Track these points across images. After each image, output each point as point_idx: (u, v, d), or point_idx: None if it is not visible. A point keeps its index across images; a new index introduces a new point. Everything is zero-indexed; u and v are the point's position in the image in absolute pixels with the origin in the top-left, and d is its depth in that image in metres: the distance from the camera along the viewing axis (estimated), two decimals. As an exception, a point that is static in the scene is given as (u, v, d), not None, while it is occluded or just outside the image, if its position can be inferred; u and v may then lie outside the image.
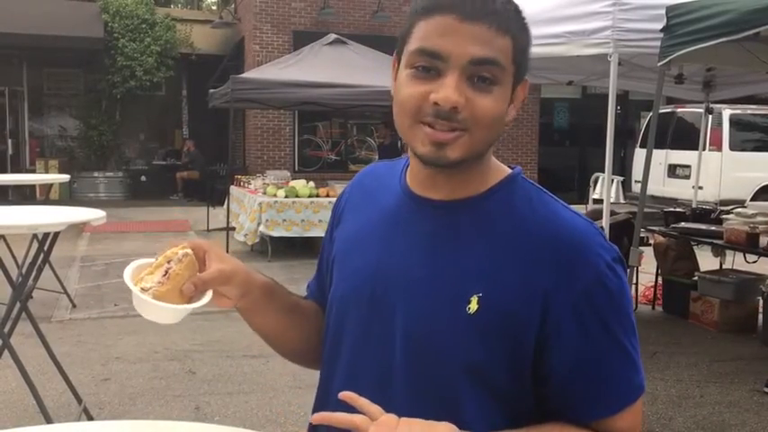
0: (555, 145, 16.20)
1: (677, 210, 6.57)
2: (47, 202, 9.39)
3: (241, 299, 1.13)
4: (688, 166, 10.90)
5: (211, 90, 10.34)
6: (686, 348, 5.33)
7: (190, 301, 1.07)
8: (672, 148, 11.37)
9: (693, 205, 6.87)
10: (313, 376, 1.28)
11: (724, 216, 5.73)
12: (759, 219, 5.30)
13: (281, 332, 1.24)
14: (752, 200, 10.24)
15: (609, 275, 1.00)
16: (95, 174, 15.85)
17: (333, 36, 10.11)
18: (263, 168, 12.68)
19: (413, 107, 0.99)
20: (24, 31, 13.43)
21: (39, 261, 3.99)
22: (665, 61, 4.02)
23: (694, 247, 6.40)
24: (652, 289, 6.63)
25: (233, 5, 16.93)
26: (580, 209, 1.06)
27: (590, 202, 8.29)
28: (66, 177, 7.57)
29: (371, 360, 1.08)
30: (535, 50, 4.84)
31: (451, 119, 0.97)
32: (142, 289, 1.05)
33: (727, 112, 11.01)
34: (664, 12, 4.00)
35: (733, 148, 11.15)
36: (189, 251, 1.07)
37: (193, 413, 3.98)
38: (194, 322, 5.47)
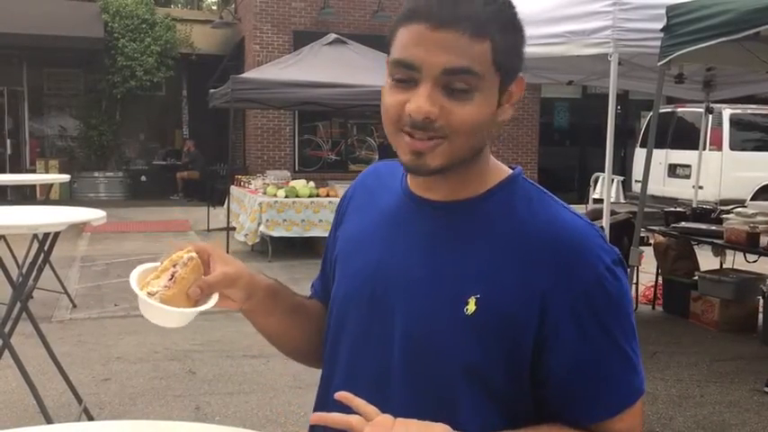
0: (555, 145, 16.20)
1: (677, 209, 6.56)
2: (47, 202, 9.40)
3: (246, 301, 1.13)
4: (688, 166, 10.89)
5: (211, 90, 10.34)
6: (686, 348, 5.33)
7: (196, 304, 1.07)
8: (672, 148, 11.37)
9: (694, 205, 6.87)
10: (313, 376, 1.28)
11: (724, 216, 5.73)
12: (759, 218, 5.30)
13: (284, 332, 1.24)
14: (752, 199, 10.24)
15: (608, 278, 0.99)
16: (95, 174, 15.86)
17: (333, 36, 10.11)
18: (263, 168, 12.68)
19: (393, 116, 0.99)
20: (24, 31, 13.43)
21: (39, 261, 3.99)
22: (665, 61, 4.02)
23: (694, 247, 6.40)
24: (652, 289, 6.63)
25: (233, 5, 16.93)
26: (580, 209, 1.06)
27: (590, 201, 8.29)
28: (66, 177, 7.57)
29: (370, 360, 1.08)
30: (535, 50, 4.83)
31: (428, 128, 0.97)
32: (148, 293, 1.05)
33: (727, 112, 11.01)
34: (664, 11, 4.00)
35: (733, 147, 11.15)
36: (194, 254, 1.08)
37: (194, 413, 3.99)
38: (194, 322, 5.41)
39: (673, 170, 11.63)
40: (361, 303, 1.11)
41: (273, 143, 14.49)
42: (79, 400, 3.86)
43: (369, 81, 8.50)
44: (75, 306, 6.26)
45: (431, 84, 0.96)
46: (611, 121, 4.54)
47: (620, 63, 4.51)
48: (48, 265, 4.93)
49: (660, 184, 11.27)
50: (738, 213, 5.60)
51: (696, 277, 6.13)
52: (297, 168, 14.36)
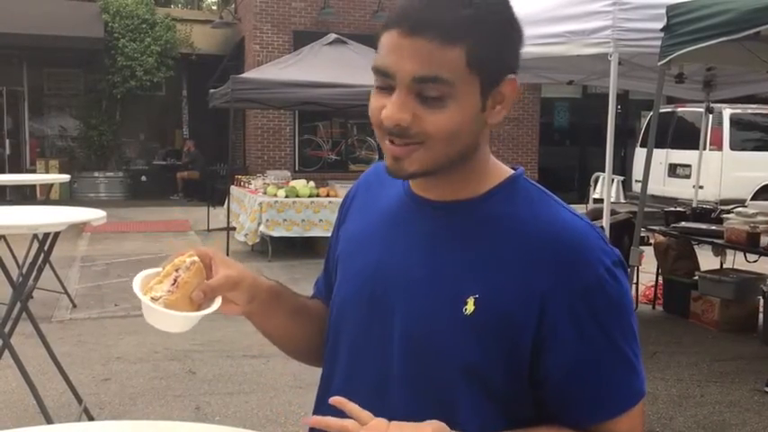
0: (555, 144, 16.20)
1: (678, 209, 6.56)
2: (47, 202, 9.40)
3: (249, 304, 1.13)
4: (688, 166, 10.89)
5: (211, 90, 10.34)
6: (687, 348, 5.33)
7: (199, 308, 1.07)
8: (672, 148, 11.36)
9: (694, 205, 6.86)
10: (313, 375, 1.28)
11: (724, 215, 5.73)
12: (759, 218, 5.30)
13: (287, 333, 1.24)
14: (752, 199, 10.23)
15: (608, 279, 0.99)
16: (96, 174, 15.86)
17: (333, 36, 10.11)
18: (263, 168, 12.68)
19: (376, 122, 1.01)
20: (24, 31, 13.44)
21: (39, 261, 3.99)
22: (665, 61, 4.02)
23: (695, 247, 6.40)
24: (652, 288, 6.63)
25: (233, 5, 16.94)
26: (580, 208, 1.05)
27: (590, 201, 8.29)
28: (66, 177, 7.58)
29: (370, 360, 1.08)
30: (535, 50, 4.81)
31: (403, 135, 0.98)
32: (152, 298, 1.04)
33: (727, 112, 11.01)
34: (664, 11, 3.99)
35: (733, 147, 11.15)
36: (196, 259, 1.07)
37: (194, 413, 3.99)
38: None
39: (673, 170, 11.63)
40: (361, 304, 1.11)
41: (273, 143, 14.49)
42: (79, 401, 3.86)
43: (369, 81, 8.13)
44: (75, 306, 6.26)
45: (404, 91, 0.96)
46: (612, 120, 4.54)
47: (620, 63, 4.51)
48: (48, 265, 4.93)
49: (660, 184, 11.27)
50: (739, 213, 5.60)
51: (696, 277, 6.12)
52: (297, 168, 14.36)
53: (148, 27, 15.06)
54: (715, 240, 5.52)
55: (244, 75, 10.01)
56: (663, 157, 11.29)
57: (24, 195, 13.99)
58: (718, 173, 10.82)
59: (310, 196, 8.74)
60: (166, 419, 3.58)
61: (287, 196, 8.62)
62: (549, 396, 1.02)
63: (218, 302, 1.08)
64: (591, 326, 0.98)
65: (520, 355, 0.99)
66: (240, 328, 5.19)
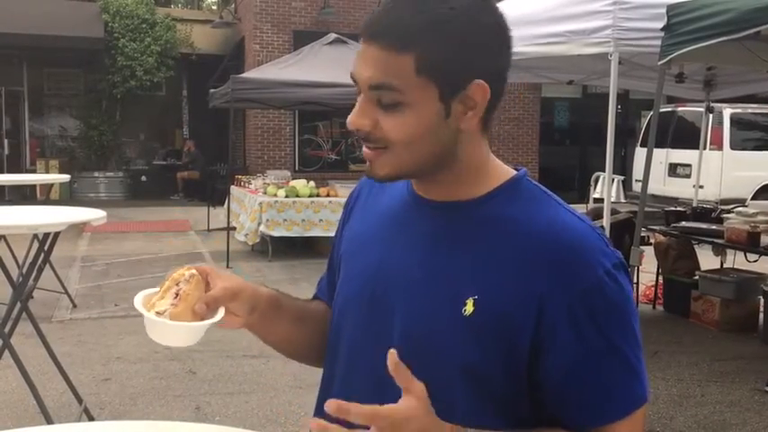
0: (555, 144, 16.20)
1: (678, 209, 6.56)
2: (47, 202, 9.39)
3: (250, 314, 1.13)
4: (689, 166, 10.89)
5: (212, 90, 10.33)
6: (687, 348, 5.33)
7: (203, 320, 1.07)
8: (672, 148, 11.36)
9: (694, 204, 6.86)
10: (313, 376, 1.28)
11: (725, 215, 5.73)
12: (760, 218, 5.31)
13: (290, 339, 1.24)
14: (752, 199, 10.24)
15: (607, 282, 0.98)
16: (96, 174, 15.86)
17: (333, 36, 10.11)
18: (263, 168, 12.68)
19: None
20: (24, 31, 13.44)
21: (39, 261, 3.99)
22: (665, 60, 4.01)
23: (695, 247, 6.40)
24: (653, 288, 6.62)
25: (233, 5, 16.93)
26: (581, 208, 1.05)
27: (590, 201, 8.29)
28: (66, 177, 7.58)
29: (369, 360, 1.08)
30: (536, 50, 4.80)
31: (367, 140, 1.00)
32: (156, 313, 1.04)
33: (727, 111, 11.00)
34: (664, 11, 3.99)
35: (734, 147, 11.14)
36: (194, 272, 1.08)
37: (194, 413, 3.98)
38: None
39: (673, 169, 11.62)
40: (362, 304, 1.11)
41: (274, 143, 14.49)
42: (79, 401, 3.86)
43: (369, 81, 8.47)
44: (75, 306, 6.26)
45: (365, 97, 0.99)
46: (612, 120, 4.53)
47: (620, 62, 4.51)
48: (48, 265, 4.93)
49: (661, 184, 11.26)
50: (739, 213, 5.60)
51: (697, 277, 6.12)
52: (297, 168, 14.36)
53: (148, 27, 15.06)
54: (715, 240, 5.52)
55: (244, 75, 10.01)
56: (663, 156, 11.29)
57: (24, 195, 14.00)
58: (719, 172, 10.81)
59: (310, 196, 8.74)
60: (166, 419, 3.58)
61: (287, 196, 8.62)
62: (548, 398, 1.01)
63: (221, 312, 1.08)
64: (589, 328, 0.98)
65: (518, 356, 0.99)
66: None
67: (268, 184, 9.03)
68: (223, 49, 16.24)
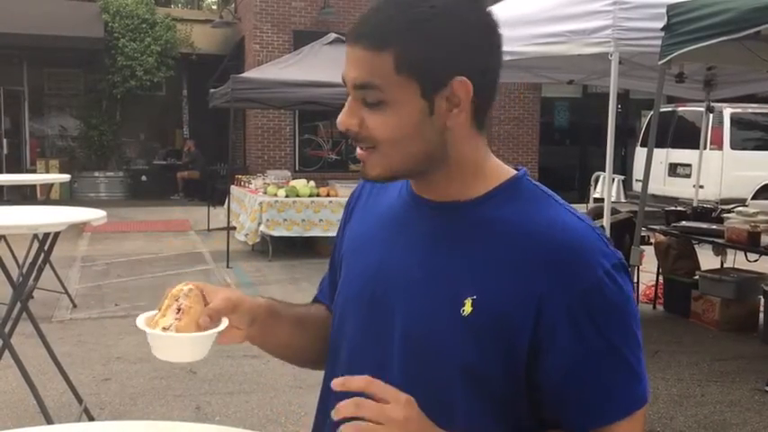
0: (556, 144, 16.19)
1: (678, 209, 6.56)
2: (47, 201, 9.39)
3: (251, 325, 1.13)
4: (689, 165, 10.88)
5: (212, 90, 10.34)
6: (687, 347, 5.33)
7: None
8: (673, 147, 11.36)
9: (694, 204, 6.86)
10: (313, 376, 1.28)
11: (725, 215, 5.73)
12: (760, 217, 5.30)
13: (292, 345, 1.24)
14: (753, 199, 10.23)
15: (607, 282, 0.98)
16: (96, 174, 15.86)
17: (333, 35, 10.10)
18: (263, 168, 12.68)
19: None
20: (24, 31, 13.43)
21: (39, 261, 3.99)
22: (665, 60, 4.01)
23: (695, 246, 6.40)
24: (653, 288, 6.62)
25: (233, 5, 16.93)
26: (581, 208, 1.04)
27: (591, 201, 8.28)
28: (66, 177, 7.58)
29: (370, 360, 1.08)
30: (536, 49, 4.79)
31: (357, 140, 1.03)
32: (162, 329, 1.03)
33: (727, 111, 11.00)
34: (664, 10, 3.98)
35: (734, 146, 11.14)
36: (192, 286, 1.08)
37: (194, 413, 3.98)
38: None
39: (673, 169, 11.62)
40: (362, 304, 1.11)
41: (274, 143, 14.49)
42: (79, 401, 3.86)
43: (369, 80, 8.46)
44: (75, 306, 6.26)
45: (352, 98, 1.02)
46: (612, 120, 4.53)
47: (620, 62, 4.50)
48: (48, 265, 4.92)
49: (661, 184, 11.26)
50: (739, 212, 5.60)
51: (697, 276, 6.12)
52: (297, 168, 14.36)
53: (148, 27, 15.05)
54: (715, 240, 5.52)
55: (244, 74, 10.01)
56: (663, 156, 11.29)
57: (24, 195, 13.99)
58: (719, 172, 10.81)
59: (310, 196, 8.74)
60: (167, 419, 3.58)
61: (287, 196, 8.62)
62: (547, 399, 1.01)
63: (225, 322, 1.07)
64: (588, 328, 0.97)
65: (517, 356, 0.99)
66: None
67: (268, 184, 9.03)
68: (223, 49, 16.24)
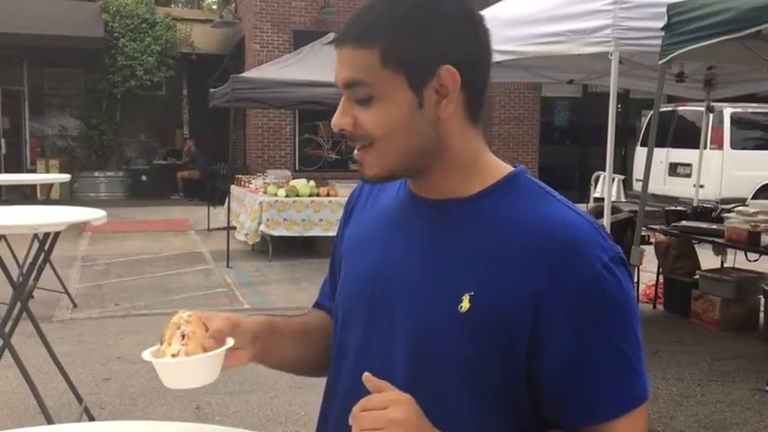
0: (556, 144, 16.18)
1: (678, 208, 6.56)
2: (47, 201, 9.40)
3: (253, 344, 1.12)
4: (689, 165, 10.88)
5: (212, 89, 10.34)
6: (687, 347, 5.33)
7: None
8: (673, 147, 11.35)
9: (694, 204, 6.86)
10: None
11: (725, 214, 5.72)
12: (760, 217, 5.30)
13: (297, 357, 1.24)
14: (753, 198, 10.22)
15: (605, 276, 0.97)
16: (96, 173, 15.86)
17: (333, 35, 10.08)
18: (263, 168, 12.68)
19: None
20: (24, 30, 13.43)
21: (39, 261, 3.99)
22: (665, 59, 4.01)
23: (695, 246, 6.40)
24: (653, 288, 6.62)
25: (233, 5, 16.93)
26: (581, 208, 1.04)
27: (591, 200, 8.28)
28: (66, 177, 7.58)
29: (374, 359, 1.08)
30: (536, 49, 4.78)
31: (352, 139, 1.04)
32: (172, 356, 1.03)
33: (728, 111, 11.00)
34: (665, 10, 3.98)
35: (734, 146, 11.14)
36: (190, 312, 1.08)
37: (194, 413, 3.98)
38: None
39: (673, 169, 11.62)
40: (363, 304, 1.11)
41: (274, 142, 14.49)
42: (80, 400, 3.86)
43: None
44: (75, 306, 6.26)
45: (344, 98, 1.04)
46: (612, 119, 4.53)
47: (620, 62, 4.50)
48: (48, 265, 4.92)
49: (661, 183, 11.26)
50: (739, 212, 5.59)
51: (697, 276, 6.12)
52: (297, 168, 14.36)
53: (148, 27, 15.05)
54: (716, 239, 5.52)
55: (244, 74, 10.01)
56: (663, 156, 11.29)
57: (25, 195, 13.99)
58: (719, 172, 10.81)
59: (311, 195, 8.74)
60: (167, 419, 3.58)
61: (287, 196, 8.62)
62: (547, 397, 1.01)
63: (231, 341, 1.07)
64: (587, 324, 0.97)
65: (516, 354, 0.99)
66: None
67: (268, 184, 9.03)
68: (223, 49, 16.24)
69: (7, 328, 3.53)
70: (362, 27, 1.01)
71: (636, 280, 5.70)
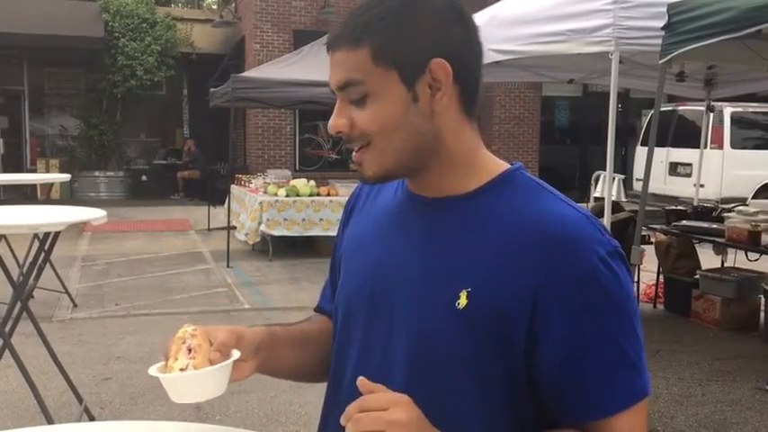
0: (556, 143, 16.18)
1: (678, 208, 6.56)
2: (47, 201, 9.41)
3: (256, 355, 1.12)
4: (689, 164, 10.88)
5: (212, 89, 10.34)
6: (688, 347, 5.33)
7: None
8: (673, 146, 11.36)
9: (695, 203, 6.86)
10: (314, 376, 1.28)
11: (725, 214, 5.72)
12: (761, 217, 5.30)
13: (300, 364, 1.24)
14: (753, 198, 10.22)
15: (602, 269, 0.97)
16: (96, 173, 15.85)
17: (332, 35, 10.10)
18: (263, 167, 12.68)
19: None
20: (25, 30, 13.43)
21: (39, 260, 3.98)
22: (666, 59, 4.01)
23: (696, 246, 6.40)
24: (653, 287, 6.62)
25: (233, 4, 16.93)
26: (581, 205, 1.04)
27: (591, 200, 8.28)
28: (66, 177, 7.58)
29: (376, 357, 1.08)
30: (536, 48, 4.77)
31: (350, 140, 1.05)
32: (180, 370, 1.02)
33: (728, 110, 11.00)
34: (665, 9, 3.98)
35: (734, 146, 11.14)
36: (194, 327, 1.08)
37: (194, 413, 3.98)
38: (196, 323, 5.46)
39: (674, 168, 11.62)
40: (362, 303, 1.12)
41: (274, 142, 14.49)
42: (80, 400, 3.86)
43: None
44: (75, 305, 6.26)
45: (339, 100, 1.05)
46: (612, 119, 4.53)
47: (621, 61, 4.50)
48: (48, 265, 4.93)
49: (661, 183, 11.26)
50: (740, 212, 5.59)
51: (697, 276, 6.12)
52: (297, 167, 14.36)
53: (149, 26, 15.05)
54: (716, 239, 5.52)
55: (244, 74, 10.01)
56: (664, 155, 11.29)
57: (25, 195, 13.98)
58: (719, 171, 10.81)
59: (311, 195, 8.74)
60: (167, 419, 3.57)
61: (287, 195, 8.61)
62: (545, 393, 1.00)
63: (236, 353, 1.07)
64: (584, 319, 0.96)
65: (514, 351, 0.98)
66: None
67: (268, 184, 9.03)
68: (223, 49, 16.24)
69: (7, 328, 3.53)
70: (353, 29, 1.02)
71: (636, 279, 5.71)
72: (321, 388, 1.22)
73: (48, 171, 14.65)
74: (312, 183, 9.06)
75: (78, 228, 9.74)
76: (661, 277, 6.53)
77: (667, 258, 6.38)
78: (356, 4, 1.06)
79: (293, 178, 9.54)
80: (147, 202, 14.45)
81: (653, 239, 6.41)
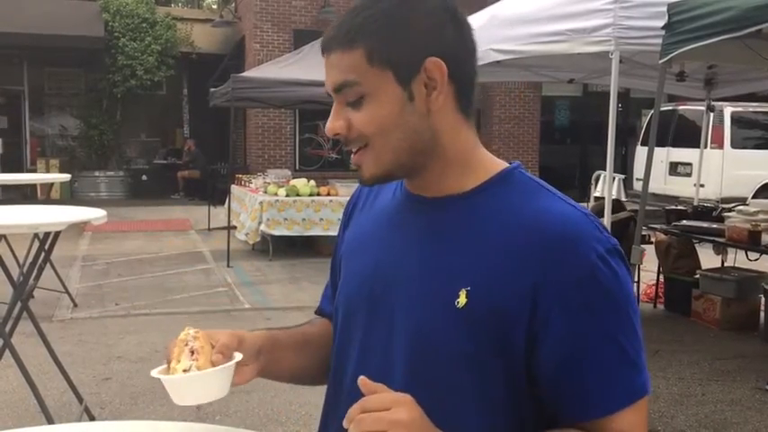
0: (556, 143, 16.19)
1: (679, 208, 6.56)
2: (48, 201, 9.41)
3: (257, 358, 1.13)
4: (689, 164, 10.88)
5: (212, 89, 10.34)
6: (688, 346, 5.33)
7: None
8: (673, 146, 11.36)
9: (695, 203, 6.86)
10: (314, 376, 1.28)
11: (725, 214, 5.72)
12: (761, 216, 5.30)
13: (301, 367, 1.25)
14: (753, 197, 10.22)
15: (601, 267, 0.97)
16: (96, 173, 15.86)
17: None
18: (263, 167, 12.68)
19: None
20: (25, 30, 13.43)
21: (40, 260, 3.98)
22: (666, 59, 4.01)
23: (696, 245, 6.39)
24: (654, 287, 6.62)
25: (233, 4, 16.93)
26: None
27: (591, 200, 8.28)
28: (66, 177, 7.59)
29: (376, 357, 1.09)
30: (536, 48, 4.76)
31: (348, 142, 1.05)
32: (183, 371, 1.02)
33: (728, 110, 11.00)
34: (665, 9, 3.98)
35: (734, 145, 11.14)
36: (196, 329, 1.08)
37: (194, 412, 3.98)
38: (196, 323, 5.47)
39: (674, 168, 11.62)
40: (362, 304, 1.12)
41: (274, 142, 14.49)
42: (80, 400, 3.86)
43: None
44: (75, 305, 6.26)
45: (336, 103, 1.06)
46: (613, 119, 4.52)
47: (621, 61, 4.49)
48: (48, 265, 4.93)
49: (661, 183, 11.26)
50: (740, 211, 5.59)
51: (697, 275, 6.12)
52: (297, 167, 14.36)
53: (149, 26, 15.05)
54: (716, 239, 5.52)
55: (244, 74, 10.02)
56: (664, 155, 11.29)
57: (25, 195, 13.98)
58: (720, 171, 10.81)
59: (311, 195, 8.74)
60: (167, 419, 3.57)
61: (287, 195, 8.62)
62: (545, 392, 1.00)
63: (239, 355, 1.07)
64: (582, 316, 0.96)
65: (513, 350, 0.98)
66: (241, 327, 5.18)
67: (269, 183, 9.03)
68: (223, 49, 16.24)
69: (8, 328, 3.53)
70: (347, 30, 1.02)
71: (636, 279, 5.71)
72: (321, 388, 1.22)
73: (48, 171, 14.64)
74: (312, 182, 9.06)
75: (78, 228, 9.74)
76: (661, 277, 6.53)
77: (667, 258, 6.38)
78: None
79: (293, 178, 9.54)
80: (148, 201, 14.45)
81: (653, 239, 6.41)
